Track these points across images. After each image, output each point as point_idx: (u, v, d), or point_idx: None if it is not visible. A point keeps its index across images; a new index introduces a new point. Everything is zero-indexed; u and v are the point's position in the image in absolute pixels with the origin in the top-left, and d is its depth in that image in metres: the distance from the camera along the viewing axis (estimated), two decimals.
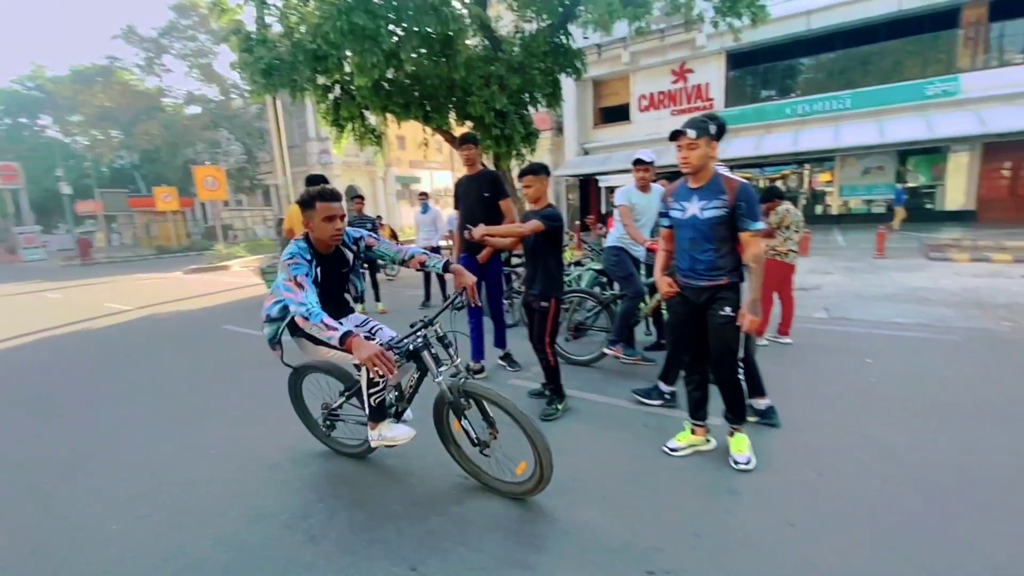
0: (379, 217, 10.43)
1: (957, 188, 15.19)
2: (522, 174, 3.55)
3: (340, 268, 2.40)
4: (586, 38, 10.02)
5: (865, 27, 14.98)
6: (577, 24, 9.42)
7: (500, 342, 4.32)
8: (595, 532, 2.10)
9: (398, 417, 2.53)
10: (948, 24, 14.47)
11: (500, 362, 4.32)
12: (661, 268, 2.81)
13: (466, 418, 2.30)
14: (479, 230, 3.23)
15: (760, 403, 3.04)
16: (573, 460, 2.08)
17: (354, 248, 2.44)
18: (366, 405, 2.38)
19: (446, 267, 2.46)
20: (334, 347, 2.08)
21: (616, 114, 19.78)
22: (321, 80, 9.18)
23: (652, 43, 17.28)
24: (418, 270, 2.59)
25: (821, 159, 16.97)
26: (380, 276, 8.32)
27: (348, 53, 7.91)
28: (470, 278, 2.40)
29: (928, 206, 15.69)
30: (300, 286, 2.08)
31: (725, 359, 2.63)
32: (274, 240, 16.53)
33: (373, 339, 2.34)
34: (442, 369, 2.25)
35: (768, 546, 1.98)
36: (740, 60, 17.19)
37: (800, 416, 3.10)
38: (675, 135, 2.49)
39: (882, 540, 1.98)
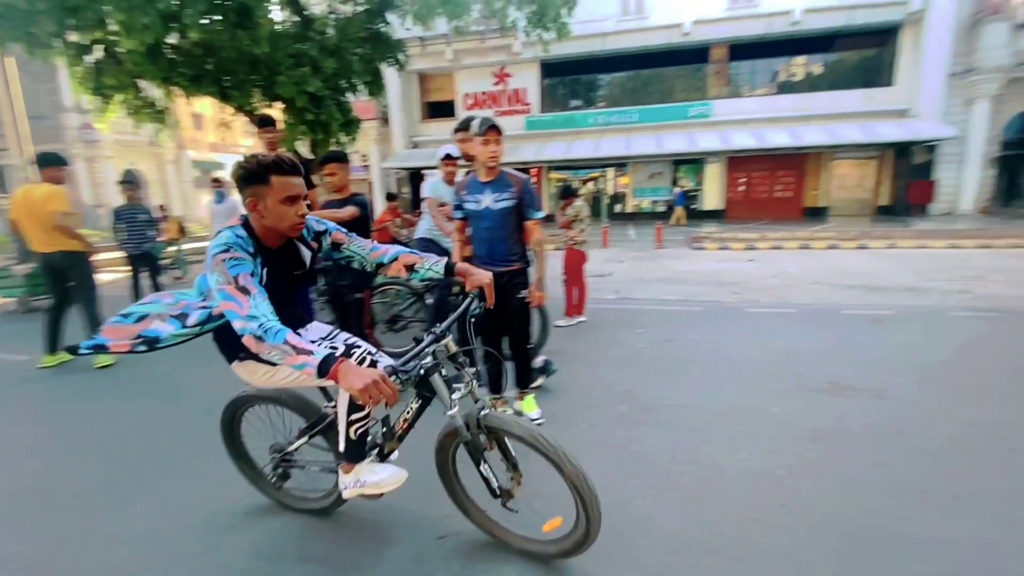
0: (161, 207, 8.38)
1: (712, 192, 19.16)
2: (324, 161, 3.44)
3: (292, 269, 1.75)
4: (407, 29, 9.94)
5: (646, 54, 17.84)
6: (396, 14, 9.31)
7: None
8: (397, 513, 2.19)
9: (383, 459, 1.95)
10: (703, 59, 18.08)
11: None
12: (459, 257, 3.01)
13: (486, 461, 1.81)
14: None
15: (537, 361, 3.48)
16: None
17: (314, 245, 1.80)
18: (342, 439, 1.80)
19: (450, 270, 1.84)
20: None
21: (443, 109, 20.10)
22: (75, 37, 7.44)
23: (473, 43, 17.96)
24: (407, 278, 1.93)
25: (619, 164, 19.75)
26: (165, 279, 7.10)
27: (110, 8, 6.56)
28: (485, 276, 1.83)
29: (694, 206, 19.46)
30: (245, 291, 1.45)
31: (523, 335, 2.98)
32: (8, 237, 12.82)
33: (353, 354, 1.78)
34: (454, 397, 1.76)
35: (543, 492, 2.30)
36: (552, 70, 18.94)
37: (582, 379, 3.66)
38: (486, 130, 2.64)
39: (629, 471, 2.47)
